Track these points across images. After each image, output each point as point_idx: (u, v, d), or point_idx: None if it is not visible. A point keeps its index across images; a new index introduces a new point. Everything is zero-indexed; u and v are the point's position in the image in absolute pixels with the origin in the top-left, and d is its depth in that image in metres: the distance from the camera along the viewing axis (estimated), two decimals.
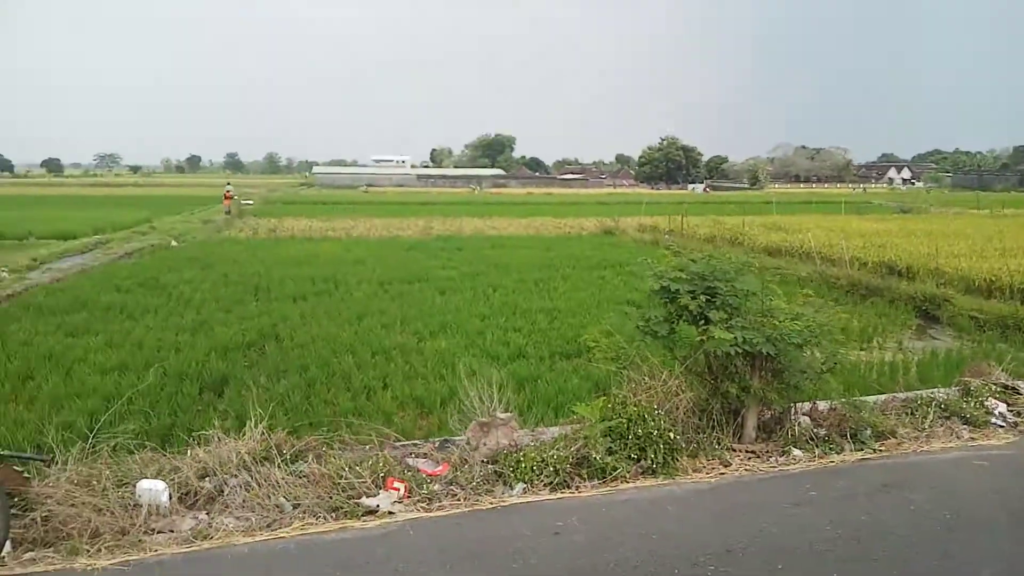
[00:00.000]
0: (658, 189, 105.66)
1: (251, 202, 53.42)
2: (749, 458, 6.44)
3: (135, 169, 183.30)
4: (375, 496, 5.50)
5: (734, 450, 6.53)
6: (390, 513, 5.36)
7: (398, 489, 5.55)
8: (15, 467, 5.33)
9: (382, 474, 5.67)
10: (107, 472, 5.46)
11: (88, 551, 4.80)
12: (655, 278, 6.81)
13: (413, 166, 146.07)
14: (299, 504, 5.37)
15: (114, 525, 5.03)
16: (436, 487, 5.65)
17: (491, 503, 5.55)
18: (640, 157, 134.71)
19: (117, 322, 12.67)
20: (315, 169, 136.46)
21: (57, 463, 5.48)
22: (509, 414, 6.39)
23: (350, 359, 10.26)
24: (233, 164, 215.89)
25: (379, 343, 11.27)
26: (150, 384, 8.61)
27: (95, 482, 5.33)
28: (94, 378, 9.16)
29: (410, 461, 6.07)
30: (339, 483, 5.56)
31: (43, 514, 5.00)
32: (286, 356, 10.56)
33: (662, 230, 32.07)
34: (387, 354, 10.70)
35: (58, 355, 10.30)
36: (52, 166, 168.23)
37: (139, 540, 4.94)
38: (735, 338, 6.24)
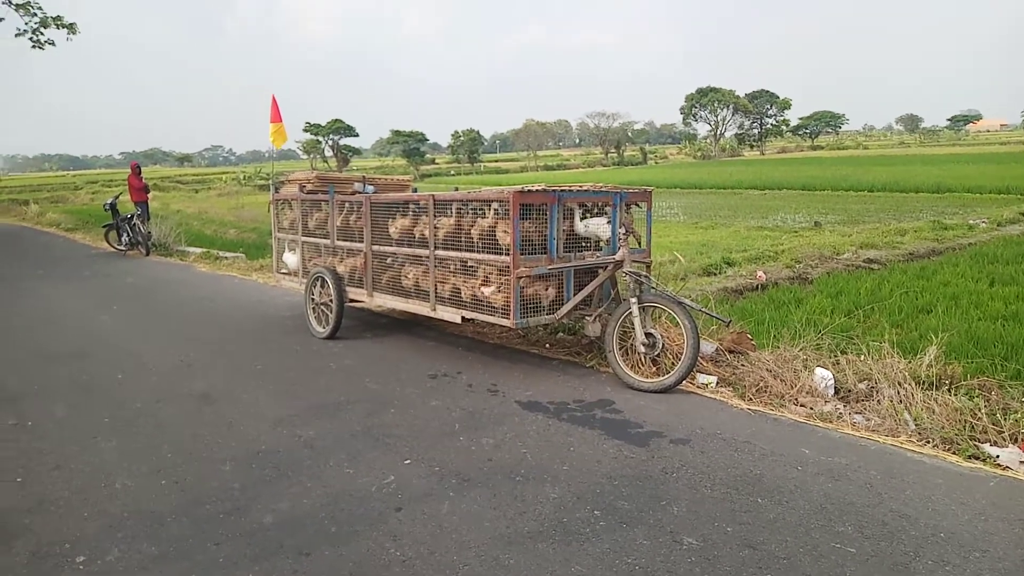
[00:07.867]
0: None
1: None
2: None
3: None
4: (1002, 448, 4.70)
5: None
6: (1007, 468, 4.53)
7: None
8: (748, 334, 7.07)
9: None
10: (803, 356, 6.53)
11: (750, 398, 6.15)
12: None
13: None
14: (921, 425, 5.15)
15: (778, 388, 6.17)
16: None
17: None
18: None
19: None
20: None
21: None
22: None
23: None
24: None
25: None
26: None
27: (791, 360, 6.51)
28: (981, 323, 8.39)
29: None
30: (969, 422, 4.98)
31: (744, 366, 6.62)
32: None
33: None
34: None
35: (960, 296, 10.05)
36: (908, 124, 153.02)
37: (784, 404, 5.94)
38: None
